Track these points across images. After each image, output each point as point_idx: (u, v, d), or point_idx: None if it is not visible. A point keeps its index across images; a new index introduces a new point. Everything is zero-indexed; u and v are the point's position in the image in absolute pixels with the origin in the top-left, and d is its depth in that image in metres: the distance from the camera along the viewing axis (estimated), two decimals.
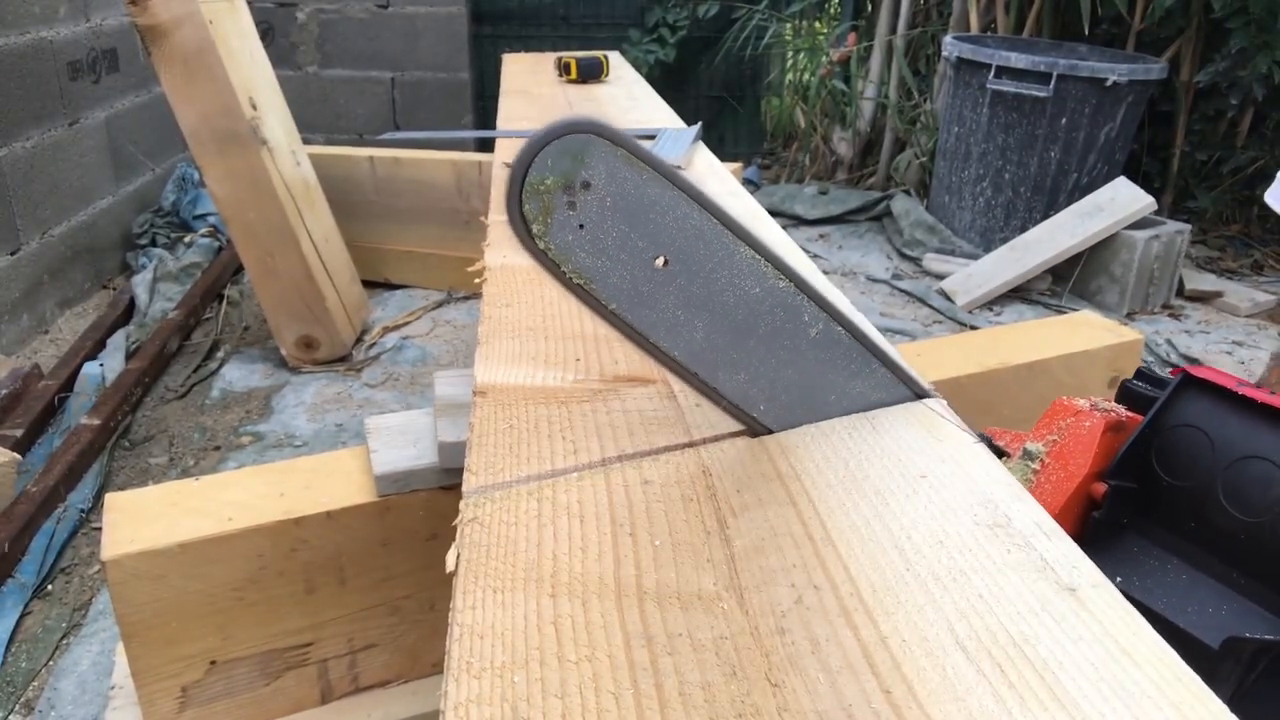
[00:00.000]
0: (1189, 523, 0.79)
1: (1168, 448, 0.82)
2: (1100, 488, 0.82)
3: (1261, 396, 0.75)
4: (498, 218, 1.31)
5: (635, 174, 0.61)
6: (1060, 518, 0.82)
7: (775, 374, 0.71)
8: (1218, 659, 0.67)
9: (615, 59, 2.67)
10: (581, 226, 0.62)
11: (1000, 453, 0.89)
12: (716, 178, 1.56)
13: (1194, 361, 2.82)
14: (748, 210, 1.36)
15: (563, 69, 2.47)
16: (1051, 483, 0.85)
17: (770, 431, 0.73)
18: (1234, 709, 0.47)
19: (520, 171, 0.60)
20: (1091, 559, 0.79)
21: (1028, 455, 0.87)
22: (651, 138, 1.77)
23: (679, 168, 1.58)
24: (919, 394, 0.77)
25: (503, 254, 1.15)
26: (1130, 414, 0.86)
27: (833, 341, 0.72)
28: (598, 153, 0.60)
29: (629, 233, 0.63)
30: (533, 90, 2.36)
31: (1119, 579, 0.78)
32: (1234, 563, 0.75)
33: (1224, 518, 0.75)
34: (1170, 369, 0.87)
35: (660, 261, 0.64)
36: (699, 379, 0.70)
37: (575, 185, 0.61)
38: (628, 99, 2.28)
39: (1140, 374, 0.90)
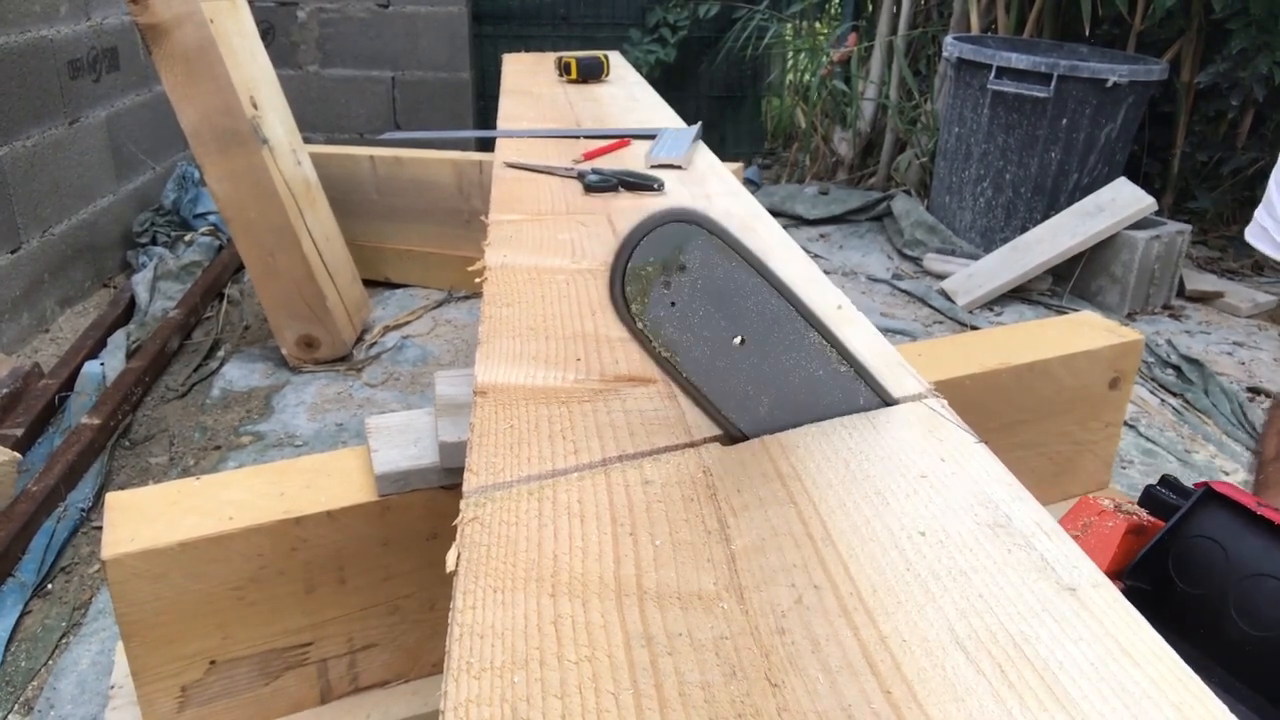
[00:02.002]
0: (1199, 630, 0.82)
1: (1184, 556, 0.85)
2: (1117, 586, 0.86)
3: (1277, 517, 0.79)
4: (497, 217, 1.31)
5: (726, 260, 0.66)
6: None
7: None
8: None
9: (616, 59, 2.67)
10: (673, 304, 0.67)
11: None
12: (717, 177, 1.56)
13: (1195, 363, 2.82)
14: (747, 210, 1.36)
15: (563, 69, 2.47)
16: None
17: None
18: None
19: (625, 254, 0.64)
20: None
21: None
22: (652, 137, 1.77)
23: (679, 166, 1.58)
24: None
25: (503, 254, 1.15)
26: (1151, 519, 0.90)
27: (871, 414, 0.77)
28: (696, 240, 0.65)
29: (714, 313, 0.68)
30: (533, 90, 2.36)
31: None
32: (1239, 673, 0.78)
33: (1233, 629, 0.78)
34: (1195, 482, 0.91)
35: (738, 340, 0.69)
36: None
37: (672, 268, 0.65)
38: (628, 99, 2.28)
39: (1165, 481, 0.93)
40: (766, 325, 0.69)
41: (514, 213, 1.33)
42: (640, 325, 0.66)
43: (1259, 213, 1.39)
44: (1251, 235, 1.41)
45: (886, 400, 0.77)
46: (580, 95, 2.31)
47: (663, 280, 0.65)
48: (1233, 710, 0.71)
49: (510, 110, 2.12)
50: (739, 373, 0.70)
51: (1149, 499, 0.92)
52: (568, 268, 1.11)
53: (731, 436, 0.74)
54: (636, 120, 2.01)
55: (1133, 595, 0.83)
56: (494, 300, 1.01)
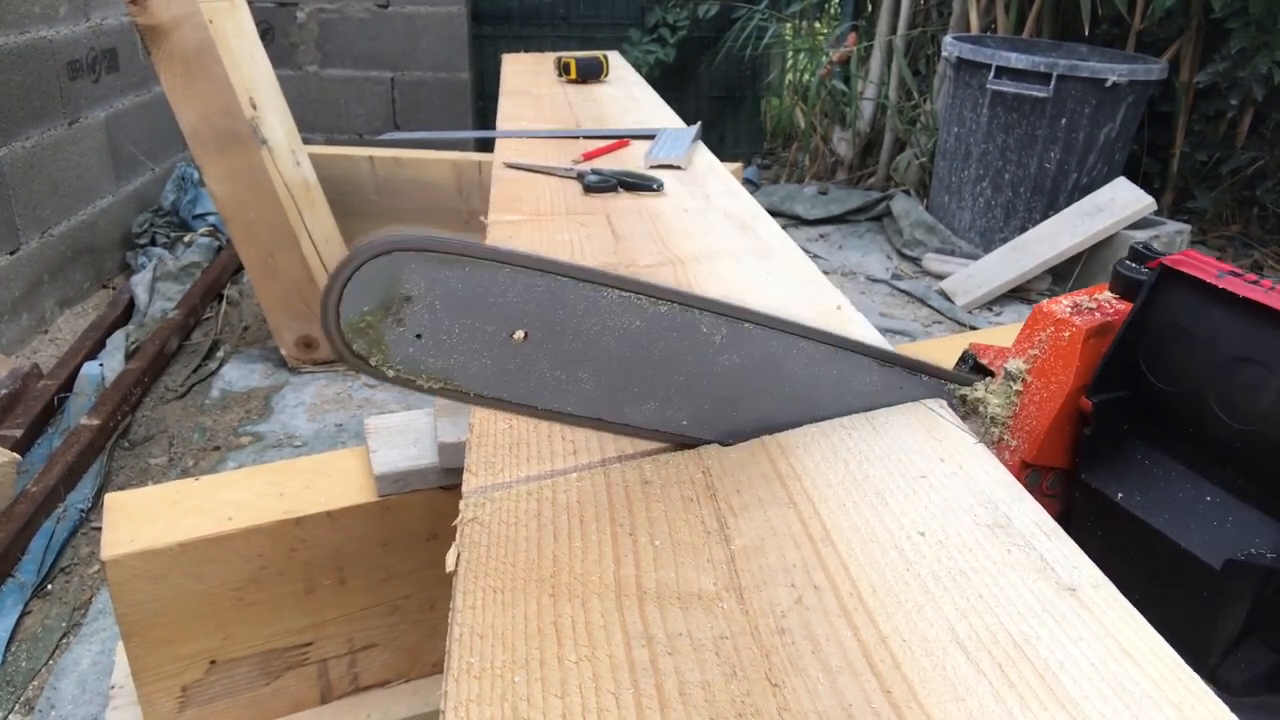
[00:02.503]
0: (1187, 429, 0.71)
1: (1154, 350, 0.73)
2: (1089, 404, 0.75)
3: (1243, 289, 0.65)
4: (497, 218, 1.31)
5: (455, 269, 0.59)
6: (1052, 439, 0.75)
7: (689, 389, 0.69)
8: (1223, 580, 0.63)
9: (615, 59, 2.67)
10: (419, 336, 0.60)
11: (985, 371, 0.82)
12: (717, 177, 1.56)
13: None
14: (746, 210, 1.36)
15: (562, 69, 2.47)
16: (1036, 403, 0.77)
17: (707, 442, 0.72)
18: (1252, 626, 0.45)
19: (333, 319, 0.58)
20: (1094, 473, 0.73)
21: (1009, 376, 0.78)
22: (651, 137, 1.77)
23: (678, 166, 1.58)
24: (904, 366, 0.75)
25: None
26: (1119, 306, 0.77)
27: (744, 339, 0.69)
28: (405, 266, 0.58)
29: (472, 324, 0.61)
30: (533, 90, 2.36)
31: (1120, 493, 0.71)
32: (1236, 470, 0.68)
33: (1219, 426, 0.67)
34: (1149, 263, 0.75)
35: (520, 335, 0.62)
36: (604, 422, 0.68)
37: (396, 304, 0.59)
38: (627, 99, 2.28)
39: (1134, 253, 0.78)
40: (543, 308, 0.62)
41: (513, 213, 1.33)
42: (392, 373, 0.60)
43: None
44: None
45: (728, 313, 0.68)
46: (580, 95, 2.31)
47: (392, 320, 0.59)
48: (1246, 517, 0.65)
49: (510, 110, 2.12)
50: (538, 364, 0.64)
51: (1117, 279, 0.78)
52: None
53: (572, 423, 0.67)
54: (636, 120, 2.01)
55: (1108, 409, 0.73)
56: None
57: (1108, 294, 0.78)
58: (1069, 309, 0.76)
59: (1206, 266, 0.68)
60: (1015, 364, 0.78)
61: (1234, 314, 0.65)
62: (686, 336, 0.67)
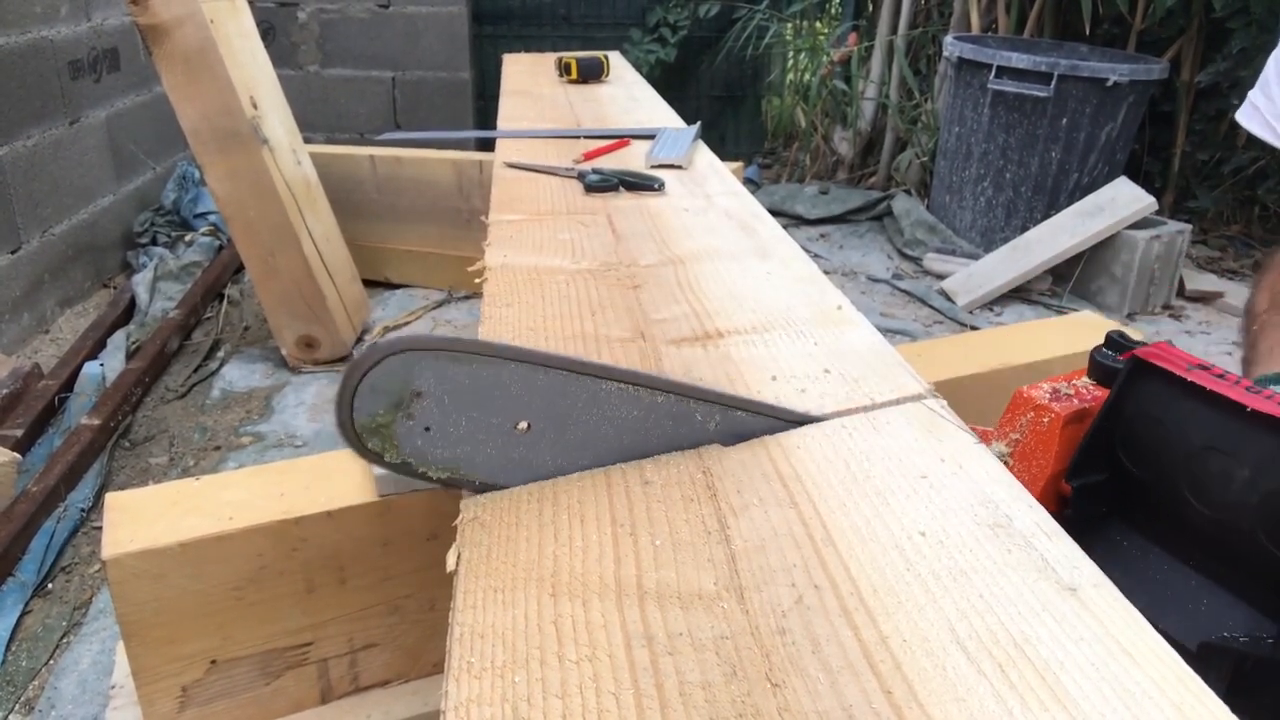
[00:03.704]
0: (1163, 513, 0.73)
1: (1129, 437, 0.74)
2: (1068, 487, 0.77)
3: (1210, 383, 0.67)
4: (497, 217, 1.31)
5: (462, 366, 0.63)
6: None
7: None
8: (1198, 661, 0.65)
9: (616, 59, 2.67)
10: (428, 429, 0.64)
11: None
12: (717, 177, 1.56)
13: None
14: (747, 209, 1.36)
15: (563, 69, 2.47)
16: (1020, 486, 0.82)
17: None
18: (1230, 704, 0.46)
19: (347, 418, 0.62)
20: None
21: None
22: (652, 137, 1.77)
23: (679, 166, 1.58)
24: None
25: (503, 254, 1.15)
26: (1096, 393, 0.79)
27: (736, 422, 0.74)
28: (416, 365, 0.62)
29: (478, 417, 0.65)
30: (533, 90, 2.36)
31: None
32: (1209, 555, 0.69)
33: (1192, 511, 0.68)
34: (1124, 352, 0.77)
35: (524, 425, 0.66)
36: None
37: (407, 401, 0.63)
38: (628, 99, 2.28)
39: (1111, 341, 0.79)
40: (546, 400, 0.66)
41: (514, 213, 1.33)
42: (400, 461, 0.64)
43: (1253, 94, 1.34)
44: (1243, 116, 1.33)
45: (721, 401, 0.72)
46: (580, 95, 2.30)
47: (403, 415, 0.62)
48: (1222, 601, 0.67)
49: (510, 110, 2.11)
50: (540, 453, 0.67)
51: (1095, 367, 0.79)
52: (568, 268, 1.11)
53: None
54: (636, 120, 2.01)
55: (1087, 492, 0.75)
56: (494, 300, 1.01)
57: (1085, 380, 0.81)
58: (1048, 395, 0.79)
59: (1177, 360, 0.71)
60: (998, 447, 0.81)
61: (1202, 405, 0.68)
62: (682, 424, 0.71)
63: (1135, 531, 0.75)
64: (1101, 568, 0.73)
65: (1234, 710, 0.46)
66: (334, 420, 0.66)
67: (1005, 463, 0.80)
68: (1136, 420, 0.73)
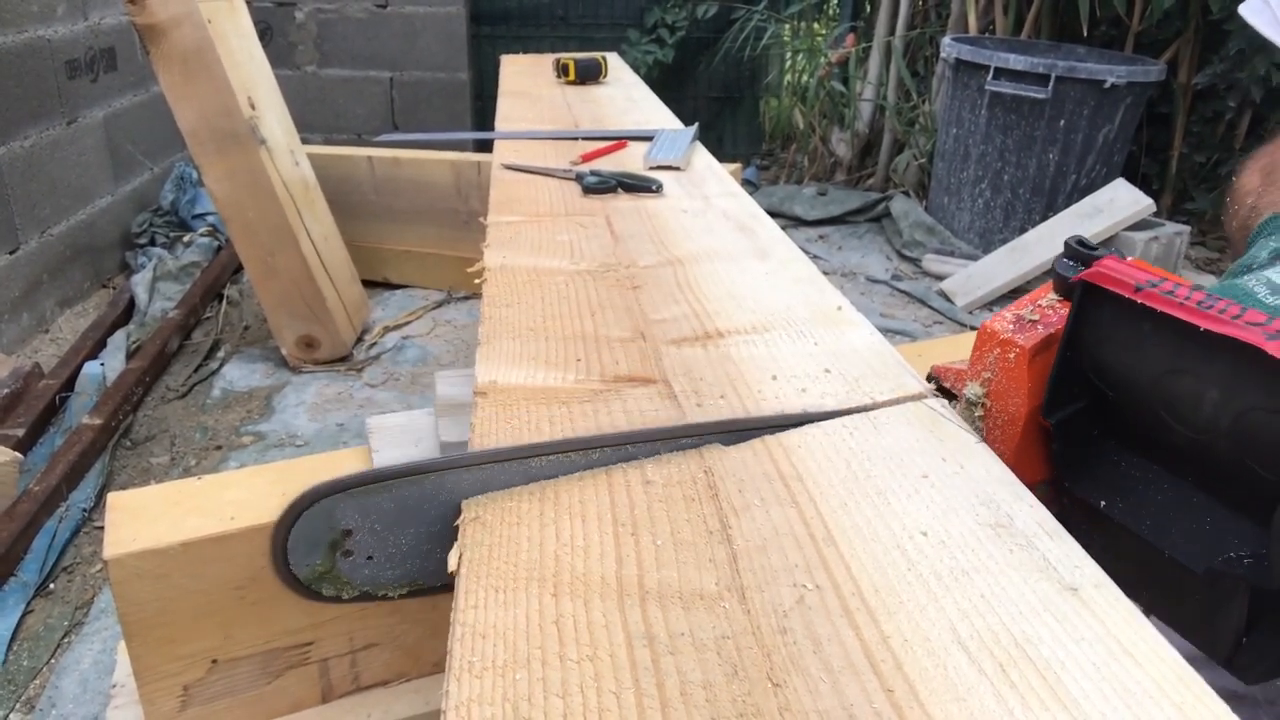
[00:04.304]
0: (1150, 434, 0.68)
1: (1096, 362, 0.69)
2: (1045, 424, 0.72)
3: (1161, 303, 0.62)
4: (496, 219, 1.31)
5: (380, 496, 0.64)
6: (1024, 458, 0.72)
7: None
8: (1208, 584, 0.59)
9: (614, 60, 2.67)
10: (370, 557, 0.65)
11: (950, 395, 0.80)
12: (715, 178, 1.56)
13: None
14: (745, 210, 1.36)
15: (561, 70, 2.47)
16: (1000, 426, 0.74)
17: None
18: (1256, 618, 0.44)
19: (289, 576, 0.63)
20: (1075, 483, 0.72)
21: (970, 402, 0.76)
22: (650, 138, 1.77)
23: (677, 168, 1.58)
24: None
25: (502, 255, 1.16)
26: (1063, 312, 0.72)
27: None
28: (334, 508, 0.63)
29: (415, 532, 0.65)
30: (531, 91, 2.36)
31: (1103, 501, 0.68)
32: (1204, 472, 0.65)
33: (1174, 433, 0.64)
34: (1085, 263, 0.70)
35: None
36: None
37: (339, 542, 0.63)
38: (626, 100, 2.28)
39: (1070, 249, 0.72)
40: (485, 489, 0.66)
41: (513, 214, 1.33)
42: (355, 594, 0.65)
43: None
44: (1246, 9, 1.25)
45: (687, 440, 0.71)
46: (578, 97, 2.31)
47: (342, 554, 0.63)
48: (1224, 517, 0.61)
49: (508, 112, 2.12)
50: None
51: (1058, 280, 0.74)
52: (567, 269, 1.11)
53: None
54: (634, 121, 2.01)
55: (1070, 423, 0.70)
56: (494, 301, 1.01)
57: (1051, 297, 0.75)
58: (1012, 326, 0.74)
59: (1125, 277, 0.65)
60: (973, 389, 0.77)
61: (1158, 327, 0.63)
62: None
63: (1132, 452, 0.70)
64: (1104, 494, 0.69)
65: (1263, 617, 0.44)
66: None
67: (983, 404, 0.75)
68: (1099, 344, 0.68)
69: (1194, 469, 0.65)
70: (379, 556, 0.64)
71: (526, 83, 2.49)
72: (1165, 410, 0.64)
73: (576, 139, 1.82)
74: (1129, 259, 0.68)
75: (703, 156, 1.71)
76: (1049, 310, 0.74)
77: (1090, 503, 0.69)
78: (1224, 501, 0.64)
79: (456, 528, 0.64)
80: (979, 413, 0.76)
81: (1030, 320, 0.73)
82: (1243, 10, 1.24)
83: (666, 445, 0.71)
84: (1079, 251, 0.71)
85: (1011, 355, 0.72)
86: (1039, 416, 0.72)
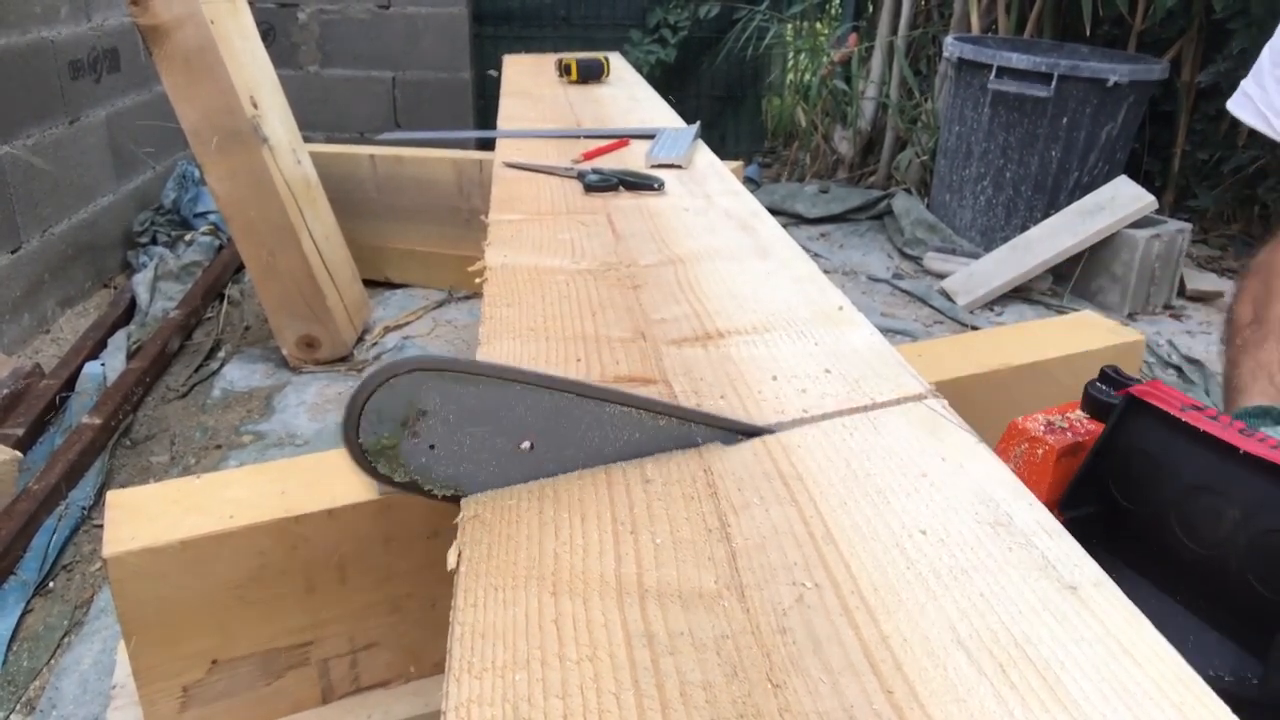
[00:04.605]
0: (1153, 548, 0.74)
1: (1122, 472, 0.76)
2: (1061, 517, 0.80)
3: (1203, 424, 0.69)
4: (498, 217, 1.31)
5: (467, 387, 0.65)
6: None
7: None
8: None
9: (616, 60, 2.67)
10: (433, 447, 0.65)
11: None
12: (717, 177, 1.56)
13: (1196, 364, 2.82)
14: (747, 209, 1.36)
15: (563, 70, 2.47)
16: None
17: None
18: None
19: (354, 439, 0.64)
20: None
21: None
22: (652, 137, 1.77)
23: (679, 166, 1.58)
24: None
25: (503, 254, 1.15)
26: (1090, 427, 0.81)
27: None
28: (422, 385, 0.63)
29: (483, 434, 0.66)
30: (534, 91, 2.36)
31: None
32: (1198, 592, 0.71)
33: (1182, 548, 0.70)
34: (1118, 388, 0.79)
35: (527, 445, 0.67)
36: None
37: (412, 420, 0.64)
38: (628, 99, 2.28)
39: (1105, 376, 0.81)
40: (550, 421, 0.67)
41: (514, 212, 1.33)
42: (405, 479, 0.66)
43: (1245, 82, 1.32)
44: (1234, 105, 1.32)
45: (747, 431, 0.74)
46: (580, 96, 2.30)
47: (409, 434, 0.64)
48: (1209, 638, 0.67)
49: (511, 111, 2.12)
50: (543, 467, 0.69)
51: (1089, 401, 0.82)
52: (568, 268, 1.11)
53: None
54: (637, 120, 2.01)
55: (1078, 525, 0.74)
56: (494, 301, 1.01)
57: (1079, 413, 0.82)
58: (1043, 428, 0.81)
59: (1170, 399, 0.72)
60: None
61: (1194, 445, 0.69)
62: (681, 445, 0.73)
63: (1124, 565, 0.76)
64: None
65: None
66: (337, 421, 0.67)
67: None
68: (1130, 456, 0.75)
69: (1187, 588, 0.71)
70: (440, 449, 0.65)
71: (529, 82, 2.48)
72: (1181, 525, 0.70)
73: (579, 137, 1.82)
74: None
75: (705, 155, 1.71)
76: (1078, 424, 0.82)
77: None
78: (1210, 622, 0.70)
79: (515, 448, 0.66)
80: None
81: (1060, 427, 0.81)
82: (1230, 106, 1.30)
83: (724, 434, 0.74)
84: (1114, 378, 0.80)
85: (1040, 451, 0.80)
86: (1052, 511, 0.78)
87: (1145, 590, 0.74)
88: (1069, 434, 0.80)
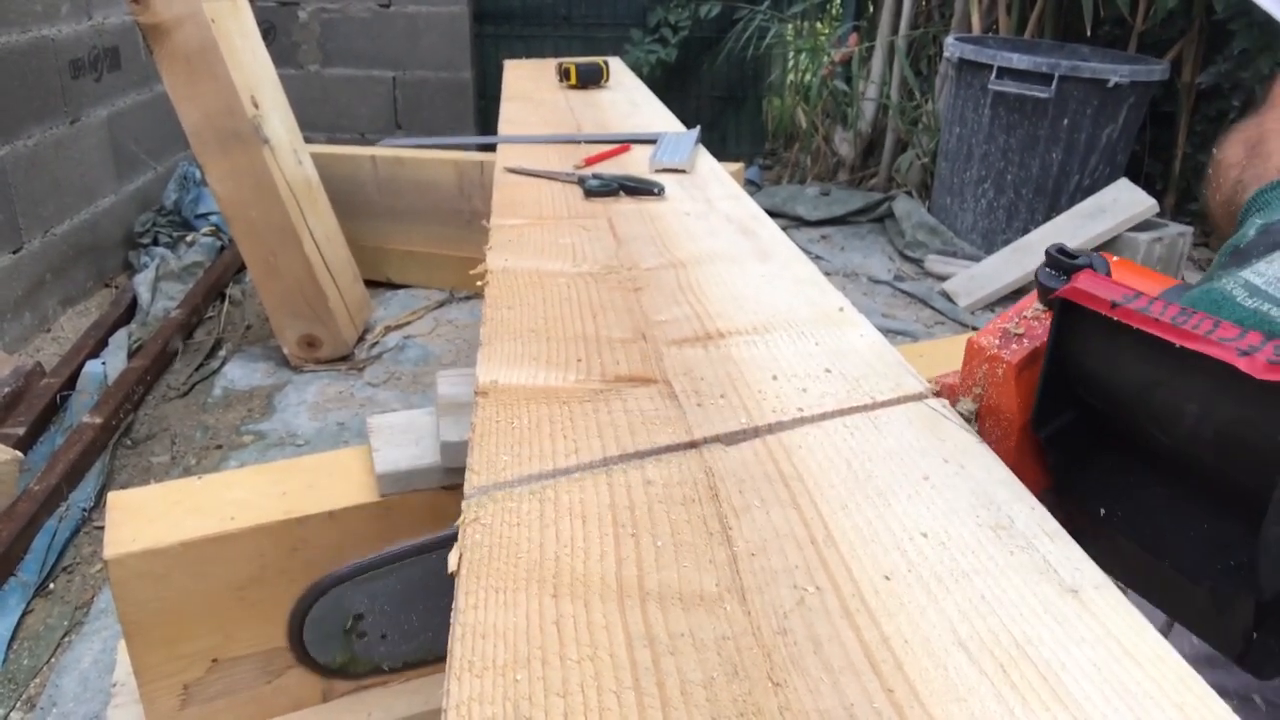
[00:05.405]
0: (1139, 443, 0.68)
1: (1080, 375, 0.69)
2: (1036, 437, 0.72)
3: (1136, 320, 0.62)
4: (498, 221, 1.31)
5: (385, 579, 0.66)
6: (1022, 469, 0.72)
7: None
8: (1208, 593, 0.59)
9: (615, 64, 2.67)
10: (384, 636, 0.68)
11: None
12: (718, 181, 1.56)
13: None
14: (748, 213, 1.36)
15: (563, 75, 2.47)
16: (995, 440, 0.74)
17: None
18: (1262, 618, 0.44)
19: (312, 664, 0.68)
20: (1071, 493, 0.72)
21: (964, 417, 0.77)
22: (652, 141, 1.77)
23: (682, 170, 1.58)
24: None
25: (504, 257, 1.16)
26: (1048, 324, 0.72)
27: None
28: (350, 594, 0.66)
29: (425, 606, 0.68)
30: (534, 96, 2.36)
31: (1101, 509, 0.68)
32: (1196, 482, 0.65)
33: (1160, 443, 0.64)
34: (1067, 271, 0.69)
35: None
36: None
37: (351, 627, 0.66)
38: (628, 104, 2.28)
39: (1051, 259, 0.72)
40: None
41: (515, 217, 1.33)
42: (374, 668, 0.66)
43: None
44: None
45: None
46: (581, 101, 2.31)
47: (356, 636, 0.65)
48: (1221, 525, 0.61)
49: (511, 116, 2.12)
50: None
51: (1041, 290, 0.73)
52: (569, 271, 1.11)
53: None
54: (636, 125, 2.01)
55: (1061, 436, 0.70)
56: (495, 303, 1.01)
57: (1036, 307, 0.75)
58: (997, 341, 0.74)
59: (1100, 295, 0.65)
60: (965, 404, 0.77)
61: (1136, 343, 0.63)
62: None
63: (1126, 458, 0.70)
64: (1102, 502, 0.69)
65: (1269, 619, 0.44)
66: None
67: (973, 419, 0.76)
68: (1080, 358, 0.68)
69: (1186, 477, 0.65)
70: (391, 636, 0.67)
71: (529, 87, 2.48)
72: (1150, 422, 0.64)
73: (579, 143, 1.82)
74: (1115, 259, 0.69)
75: (705, 159, 1.71)
76: (1034, 322, 0.74)
77: (1088, 512, 0.69)
78: (1220, 508, 0.64)
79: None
80: (974, 426, 0.76)
81: (1015, 334, 0.73)
82: None
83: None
84: (1060, 261, 0.70)
85: (999, 371, 0.73)
86: (1029, 428, 0.72)
87: (1153, 482, 0.68)
88: (1025, 340, 0.73)
